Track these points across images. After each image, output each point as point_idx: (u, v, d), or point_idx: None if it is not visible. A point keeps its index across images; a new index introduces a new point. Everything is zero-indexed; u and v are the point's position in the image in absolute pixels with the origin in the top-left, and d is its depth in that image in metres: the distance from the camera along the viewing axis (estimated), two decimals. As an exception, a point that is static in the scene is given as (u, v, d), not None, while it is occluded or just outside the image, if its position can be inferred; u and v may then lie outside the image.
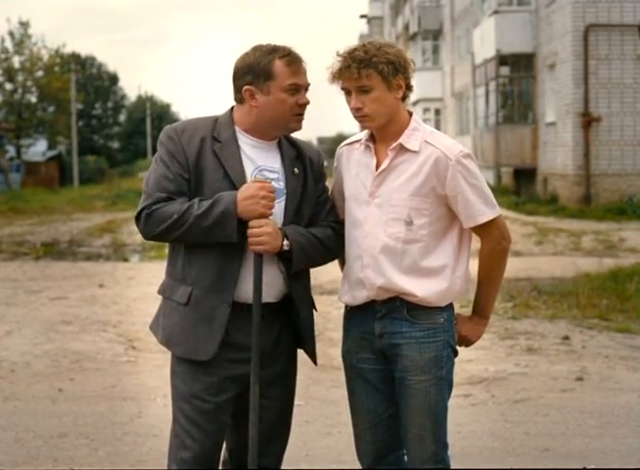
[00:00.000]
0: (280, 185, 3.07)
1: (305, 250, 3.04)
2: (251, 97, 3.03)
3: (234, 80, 3.08)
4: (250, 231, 2.96)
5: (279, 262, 3.04)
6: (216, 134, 3.05)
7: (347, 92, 3.03)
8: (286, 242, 2.99)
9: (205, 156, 3.02)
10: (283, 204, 3.07)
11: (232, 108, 3.14)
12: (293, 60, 3.01)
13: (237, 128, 3.08)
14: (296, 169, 3.12)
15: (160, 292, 3.15)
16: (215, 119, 3.11)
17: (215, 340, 3.00)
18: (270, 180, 3.01)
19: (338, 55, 3.00)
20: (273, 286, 3.05)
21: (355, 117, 3.07)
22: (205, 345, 3.00)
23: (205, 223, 2.92)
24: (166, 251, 3.09)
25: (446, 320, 3.09)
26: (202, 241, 2.98)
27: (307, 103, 3.05)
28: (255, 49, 3.04)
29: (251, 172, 3.04)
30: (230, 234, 2.94)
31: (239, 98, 3.08)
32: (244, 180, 3.01)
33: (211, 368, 3.02)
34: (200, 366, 3.02)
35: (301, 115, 3.06)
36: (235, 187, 2.99)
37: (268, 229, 2.95)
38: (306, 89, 3.06)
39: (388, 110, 3.02)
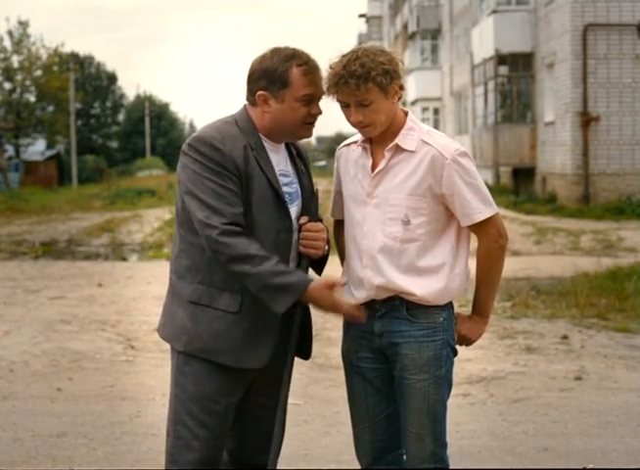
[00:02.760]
0: (293, 188, 3.06)
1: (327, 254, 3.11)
2: (264, 102, 2.98)
3: (248, 83, 3.00)
4: (308, 234, 2.98)
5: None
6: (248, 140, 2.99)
7: (345, 105, 3.00)
8: (327, 247, 3.03)
9: (250, 163, 2.94)
10: (299, 206, 3.06)
11: (245, 107, 3.06)
12: (310, 69, 2.95)
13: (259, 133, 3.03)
14: (302, 168, 3.13)
15: (191, 300, 2.99)
16: (235, 122, 3.01)
17: (269, 348, 2.98)
18: (284, 184, 3.01)
19: (331, 68, 2.95)
20: None
21: (356, 128, 3.05)
22: (257, 353, 2.97)
23: (270, 281, 2.81)
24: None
25: (446, 319, 3.09)
26: (252, 289, 2.86)
27: (320, 113, 3.01)
28: (274, 53, 2.96)
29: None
30: (281, 306, 2.84)
31: (252, 100, 3.01)
32: (279, 187, 2.99)
33: (225, 369, 2.98)
34: (214, 367, 2.98)
35: (312, 123, 3.02)
36: (278, 194, 2.96)
37: (324, 235, 3.00)
38: (319, 98, 3.00)
39: (388, 117, 3.02)
